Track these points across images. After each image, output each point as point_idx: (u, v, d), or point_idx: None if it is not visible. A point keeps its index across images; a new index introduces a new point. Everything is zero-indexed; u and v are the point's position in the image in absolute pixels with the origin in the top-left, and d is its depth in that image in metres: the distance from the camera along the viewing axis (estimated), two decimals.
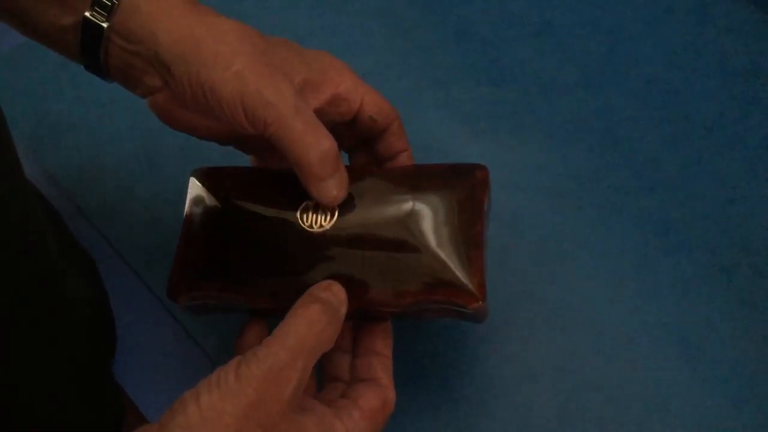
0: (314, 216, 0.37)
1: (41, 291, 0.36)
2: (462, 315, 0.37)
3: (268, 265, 0.37)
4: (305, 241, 0.37)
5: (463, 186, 0.37)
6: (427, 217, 0.36)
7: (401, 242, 0.36)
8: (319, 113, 0.37)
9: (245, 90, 0.34)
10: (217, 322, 0.45)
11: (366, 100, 0.39)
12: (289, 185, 0.38)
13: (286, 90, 0.35)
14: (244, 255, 0.38)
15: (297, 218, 0.37)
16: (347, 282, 0.36)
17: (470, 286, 0.35)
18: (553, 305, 0.45)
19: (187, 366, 0.45)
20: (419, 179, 0.38)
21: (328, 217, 0.37)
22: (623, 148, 0.50)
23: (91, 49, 0.37)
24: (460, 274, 0.35)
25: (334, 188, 0.36)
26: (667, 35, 0.53)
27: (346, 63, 0.39)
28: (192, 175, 0.40)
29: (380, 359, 0.37)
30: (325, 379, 0.38)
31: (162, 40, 0.35)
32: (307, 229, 0.37)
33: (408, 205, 0.37)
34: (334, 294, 0.35)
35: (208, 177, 0.40)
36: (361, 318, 0.38)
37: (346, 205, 0.37)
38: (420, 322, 0.43)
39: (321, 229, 0.37)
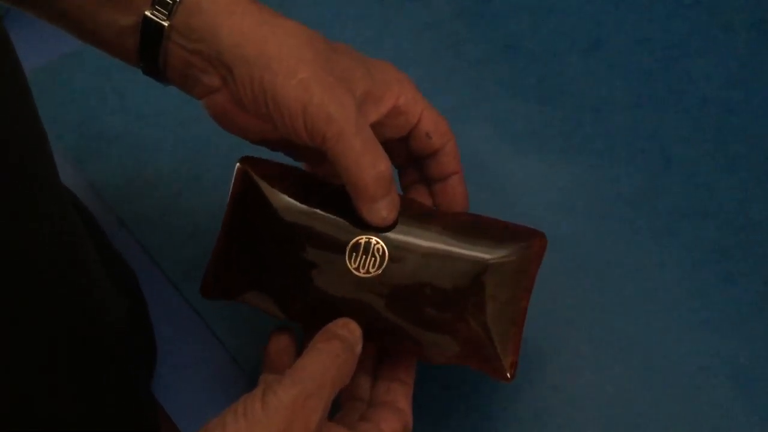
0: (363, 259, 0.37)
1: (76, 302, 0.35)
2: (488, 374, 0.37)
3: (305, 291, 0.37)
4: (348, 282, 0.36)
5: (518, 255, 0.36)
6: (477, 286, 0.36)
7: (446, 307, 0.36)
8: (377, 126, 0.37)
9: (309, 101, 0.34)
10: (257, 340, 0.44)
11: (424, 115, 0.38)
12: (343, 208, 0.37)
13: (348, 105, 0.35)
14: (284, 272, 0.37)
15: (345, 258, 0.37)
16: (381, 331, 0.36)
17: (504, 364, 0.36)
18: (601, 335, 0.44)
19: (225, 384, 0.44)
20: (476, 236, 0.37)
21: (377, 265, 0.36)
22: (677, 170, 0.48)
23: (150, 49, 0.36)
24: (498, 351, 0.36)
25: (384, 210, 0.36)
26: (724, 52, 0.52)
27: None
28: (240, 163, 0.39)
29: (401, 385, 0.37)
30: (344, 399, 0.38)
31: (225, 40, 0.35)
32: (353, 271, 0.36)
33: (459, 269, 0.36)
34: (351, 332, 0.35)
35: (258, 168, 0.38)
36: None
37: (396, 255, 0.36)
38: None
39: (367, 275, 0.36)
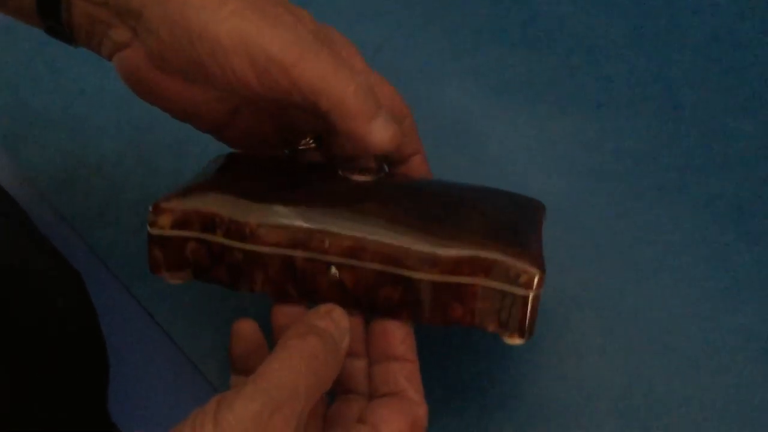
0: (354, 170, 0.33)
1: (10, 308, 0.32)
2: (506, 308, 0.30)
3: (280, 191, 0.32)
4: (338, 186, 0.32)
5: (520, 200, 0.33)
6: (488, 196, 0.32)
7: (452, 204, 0.31)
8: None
9: (250, 33, 0.28)
10: (221, 344, 0.40)
11: (376, 90, 0.33)
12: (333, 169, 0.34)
13: (301, 27, 0.29)
14: (259, 182, 0.32)
15: (337, 173, 0.33)
16: (374, 232, 0.30)
17: (527, 255, 0.30)
18: (610, 312, 0.39)
19: (185, 394, 0.40)
20: (468, 186, 0.34)
21: (372, 174, 0.33)
22: (687, 117, 0.43)
23: (49, 5, 0.32)
24: (514, 244, 0.30)
25: (385, 128, 0.30)
26: None
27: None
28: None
29: (402, 365, 0.31)
30: (337, 391, 0.32)
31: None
32: (347, 176, 0.32)
33: (465, 187, 0.33)
34: (336, 322, 0.29)
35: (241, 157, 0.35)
36: (370, 309, 0.31)
37: (391, 174, 0.33)
38: (448, 330, 0.37)
39: (362, 177, 0.32)
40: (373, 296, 0.30)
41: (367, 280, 0.30)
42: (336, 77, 0.29)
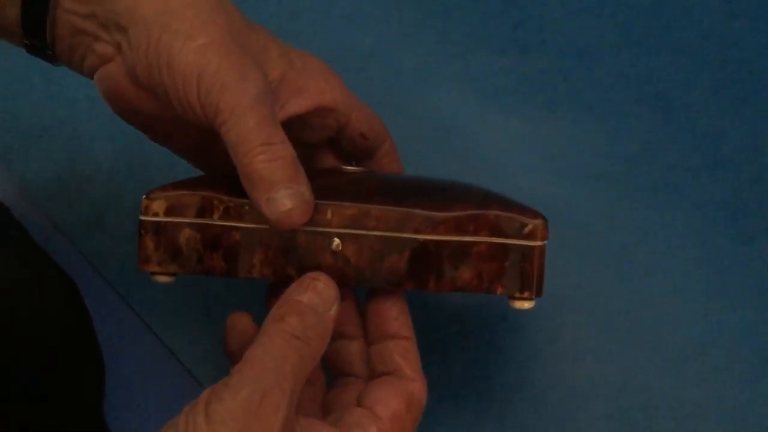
0: (344, 165, 0.33)
1: (5, 316, 0.32)
2: (511, 264, 0.30)
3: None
4: (335, 173, 0.32)
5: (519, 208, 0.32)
6: (474, 191, 0.32)
7: (449, 183, 0.32)
8: (301, 123, 0.33)
9: (205, 67, 0.29)
10: (215, 351, 0.40)
11: (357, 114, 0.34)
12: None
13: (252, 77, 0.30)
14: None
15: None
16: (376, 201, 0.30)
17: (529, 209, 0.30)
18: (604, 313, 0.39)
19: (180, 401, 0.39)
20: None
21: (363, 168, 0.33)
22: (679, 118, 0.43)
23: (35, 19, 0.32)
24: (514, 203, 0.31)
25: (287, 201, 0.29)
26: None
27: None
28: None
29: (397, 343, 0.31)
30: (333, 375, 0.33)
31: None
32: (340, 168, 0.33)
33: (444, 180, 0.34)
34: (320, 293, 0.29)
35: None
36: (374, 281, 0.31)
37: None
38: (442, 333, 0.37)
39: (356, 169, 0.33)
40: (377, 267, 0.30)
41: (371, 249, 0.30)
42: (253, 137, 0.29)
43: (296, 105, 0.33)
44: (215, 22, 0.30)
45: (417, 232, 0.29)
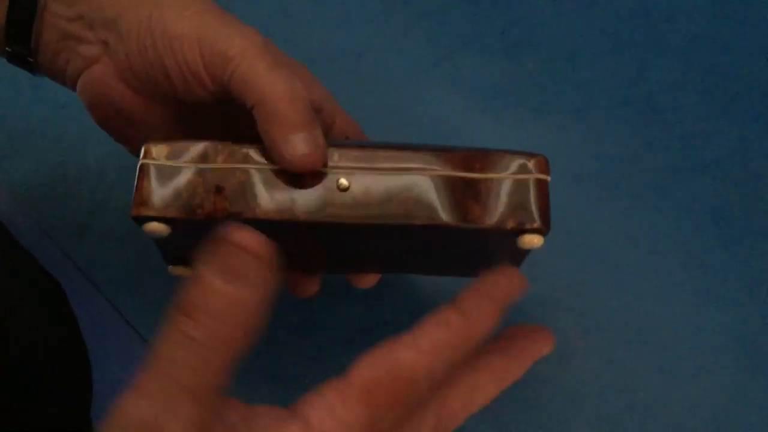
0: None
1: None
2: (521, 196, 0.30)
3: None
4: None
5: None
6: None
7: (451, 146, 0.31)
8: None
9: (205, 26, 0.29)
10: None
11: (341, 118, 0.34)
12: None
13: (251, 32, 0.30)
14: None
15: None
16: (375, 145, 0.30)
17: (528, 153, 0.30)
18: (592, 314, 0.39)
19: None
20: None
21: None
22: (666, 121, 0.43)
23: (21, 24, 0.31)
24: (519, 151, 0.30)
25: (305, 144, 0.28)
26: None
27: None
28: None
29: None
30: None
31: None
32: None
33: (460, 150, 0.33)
34: (248, 271, 0.21)
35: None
36: (382, 225, 0.29)
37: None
38: (434, 301, 0.36)
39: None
40: (385, 205, 0.29)
41: (378, 186, 0.29)
42: (270, 77, 0.29)
43: None
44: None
45: (424, 169, 0.29)
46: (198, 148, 0.30)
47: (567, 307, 0.39)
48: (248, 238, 0.21)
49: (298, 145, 0.28)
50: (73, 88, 0.33)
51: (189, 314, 0.21)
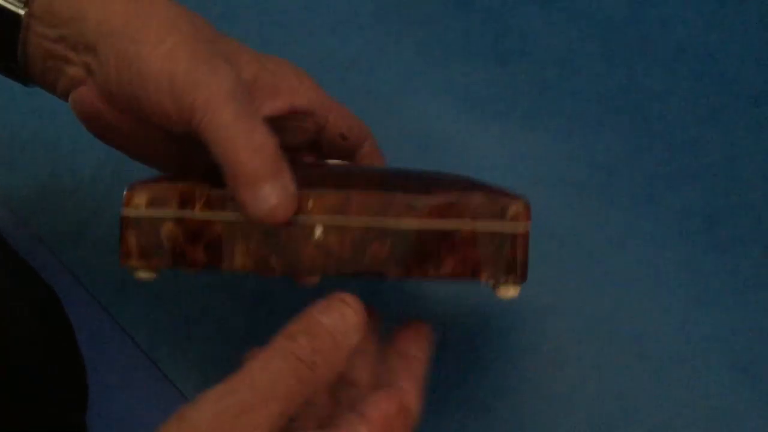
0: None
1: None
2: (496, 249, 0.29)
3: None
4: (317, 165, 0.32)
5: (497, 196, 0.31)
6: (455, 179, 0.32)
7: (431, 172, 0.32)
8: (279, 127, 0.32)
9: (175, 69, 0.29)
10: (201, 364, 0.40)
11: (335, 115, 0.34)
12: None
13: (223, 73, 0.29)
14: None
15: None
16: (357, 189, 0.29)
17: (508, 194, 0.30)
18: (584, 320, 0.39)
19: (164, 414, 0.39)
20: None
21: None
22: (656, 129, 0.43)
23: (6, 42, 0.32)
24: (496, 189, 0.30)
25: (272, 196, 0.28)
26: None
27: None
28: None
29: (408, 362, 0.30)
30: (337, 380, 0.31)
31: (91, 18, 0.30)
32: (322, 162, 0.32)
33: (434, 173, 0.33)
34: (345, 319, 0.27)
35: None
36: (358, 271, 0.30)
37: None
38: (426, 307, 0.36)
39: (338, 162, 0.33)
40: (360, 256, 0.29)
41: (353, 237, 0.29)
42: (232, 129, 0.28)
43: (271, 107, 0.32)
44: (180, 28, 0.30)
45: (399, 218, 0.29)
46: (177, 191, 0.30)
47: (560, 313, 0.39)
48: (352, 299, 0.28)
49: (265, 198, 0.28)
50: (66, 101, 0.33)
51: (295, 338, 0.26)
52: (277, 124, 0.32)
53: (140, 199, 0.31)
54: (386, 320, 0.40)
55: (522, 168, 0.43)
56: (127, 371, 0.41)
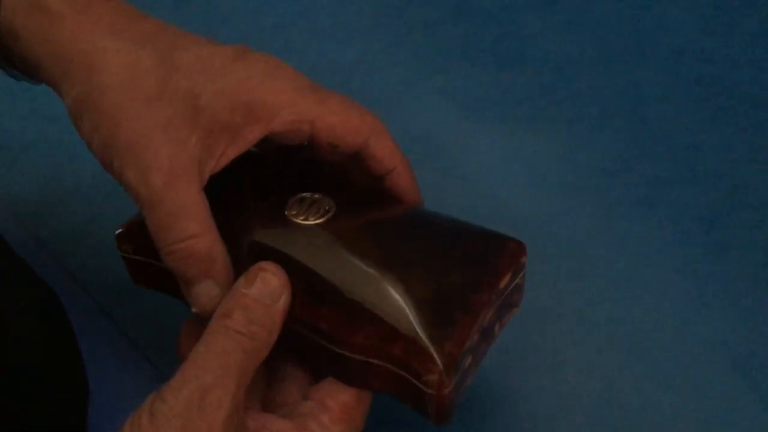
0: (302, 210, 0.31)
1: None
2: (415, 395, 0.28)
3: (230, 243, 0.31)
4: (282, 230, 0.31)
5: (488, 246, 0.30)
6: (430, 252, 0.30)
7: (384, 266, 0.29)
8: (266, 142, 0.31)
9: (111, 155, 0.30)
10: None
11: (319, 123, 0.31)
12: (283, 174, 0.33)
13: (155, 161, 0.29)
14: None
15: (284, 211, 0.31)
16: (306, 286, 0.29)
17: (435, 352, 0.27)
18: (583, 323, 0.39)
19: None
20: (441, 221, 0.32)
21: (319, 216, 0.31)
22: (655, 132, 0.43)
23: (4, 50, 0.32)
24: (430, 332, 0.27)
25: (203, 296, 0.30)
26: None
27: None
28: None
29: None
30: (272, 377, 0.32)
31: (45, 63, 0.30)
32: (292, 219, 0.31)
33: (412, 232, 0.31)
34: (268, 283, 0.28)
35: None
36: (300, 353, 0.30)
37: (346, 208, 0.31)
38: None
39: (305, 222, 0.31)
40: (304, 354, 0.30)
41: (292, 338, 0.29)
42: (166, 230, 0.29)
43: (247, 139, 0.30)
44: (127, 98, 0.29)
45: (329, 343, 0.29)
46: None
47: (560, 315, 0.40)
48: (269, 265, 0.29)
49: (198, 298, 0.30)
50: None
51: (230, 315, 0.28)
52: (264, 141, 0.31)
53: (127, 248, 0.33)
54: None
55: (521, 171, 0.43)
56: (127, 371, 0.41)
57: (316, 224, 0.30)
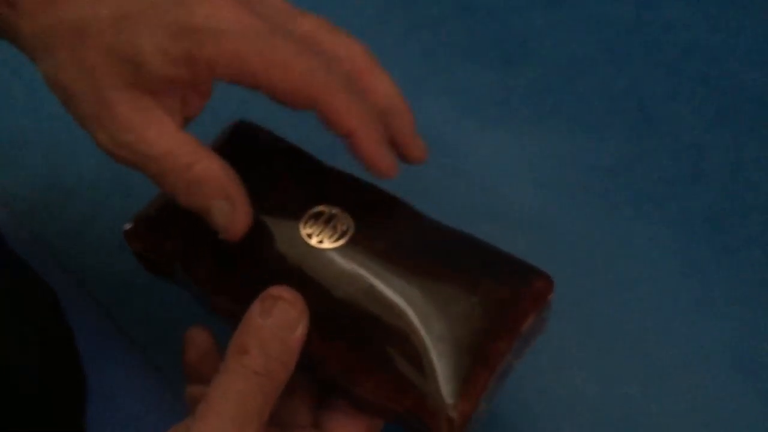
0: (318, 229, 0.30)
1: None
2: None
3: (238, 261, 0.30)
4: (297, 252, 0.29)
5: (512, 287, 0.29)
6: (451, 288, 0.28)
7: (402, 300, 0.28)
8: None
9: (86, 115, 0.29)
10: None
11: (260, 78, 0.27)
12: (308, 179, 0.32)
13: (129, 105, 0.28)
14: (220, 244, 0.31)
15: (299, 224, 0.30)
16: (319, 317, 0.28)
17: (449, 410, 0.27)
18: (587, 324, 0.39)
19: (167, 419, 0.39)
20: (464, 249, 0.30)
21: (336, 239, 0.30)
22: (660, 131, 0.43)
23: None
24: (444, 389, 0.27)
25: (220, 217, 0.29)
26: None
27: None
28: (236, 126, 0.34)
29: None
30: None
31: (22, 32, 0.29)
32: (306, 240, 0.30)
33: (433, 261, 0.29)
34: (284, 314, 0.27)
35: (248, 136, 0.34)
36: (313, 378, 0.30)
37: (364, 230, 0.30)
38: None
39: (321, 246, 0.29)
40: (315, 376, 0.29)
41: (303, 360, 0.29)
42: (165, 164, 0.29)
43: (203, 87, 0.30)
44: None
45: (340, 381, 0.28)
46: (168, 246, 0.32)
47: (564, 316, 0.39)
48: (285, 292, 0.28)
49: (215, 219, 0.29)
50: None
51: (247, 351, 0.26)
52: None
53: (136, 246, 0.33)
54: None
55: (525, 169, 0.43)
56: (126, 371, 0.40)
57: (333, 248, 0.29)
